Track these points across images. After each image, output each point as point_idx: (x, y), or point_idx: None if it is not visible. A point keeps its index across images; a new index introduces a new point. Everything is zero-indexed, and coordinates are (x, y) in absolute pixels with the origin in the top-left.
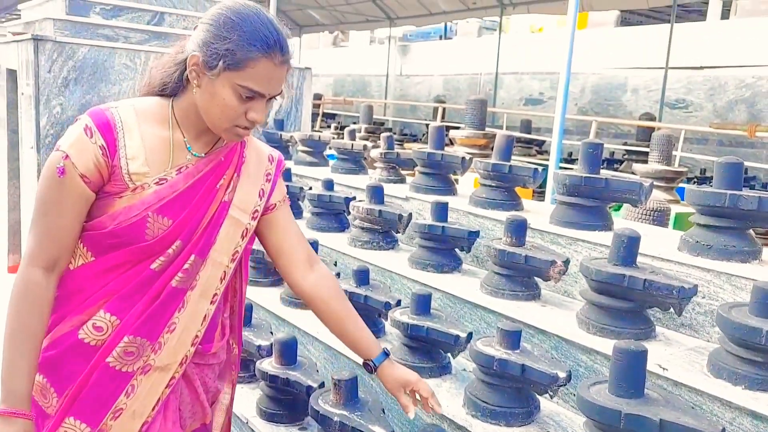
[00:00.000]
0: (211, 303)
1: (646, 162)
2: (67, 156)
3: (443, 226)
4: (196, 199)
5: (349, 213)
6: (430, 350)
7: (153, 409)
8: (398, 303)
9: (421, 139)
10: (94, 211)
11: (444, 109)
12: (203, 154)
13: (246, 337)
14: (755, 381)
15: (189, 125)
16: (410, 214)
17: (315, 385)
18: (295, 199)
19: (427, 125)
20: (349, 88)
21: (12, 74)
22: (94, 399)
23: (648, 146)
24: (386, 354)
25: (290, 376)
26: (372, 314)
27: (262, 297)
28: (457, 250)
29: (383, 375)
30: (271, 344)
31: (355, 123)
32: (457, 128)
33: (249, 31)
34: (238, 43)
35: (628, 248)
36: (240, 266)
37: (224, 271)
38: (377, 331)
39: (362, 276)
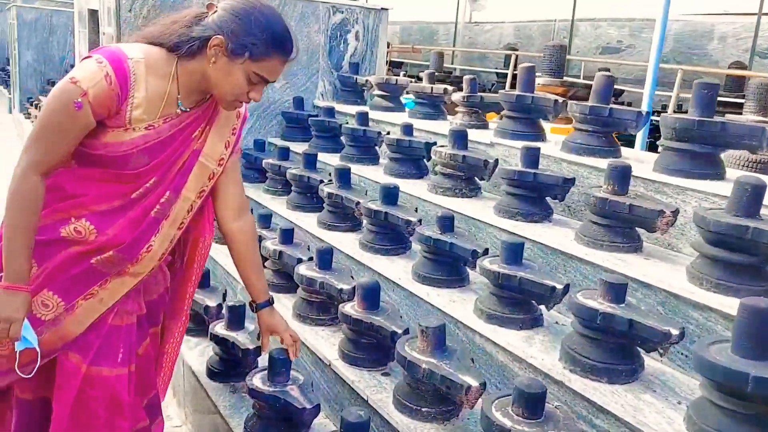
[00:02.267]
0: (178, 229)
1: (739, 113)
2: (85, 93)
3: (535, 173)
4: (173, 145)
5: (428, 159)
6: (521, 301)
7: (119, 299)
8: (485, 252)
9: (490, 90)
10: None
11: (517, 56)
12: (188, 109)
13: (327, 281)
14: None
15: (186, 84)
16: (496, 160)
17: (400, 331)
18: (371, 144)
19: (497, 74)
20: (415, 36)
21: (93, 15)
22: (73, 284)
23: (738, 96)
24: (270, 303)
25: (374, 321)
26: (457, 262)
27: (340, 241)
28: (548, 199)
29: (262, 316)
30: (353, 288)
31: (422, 72)
32: None
33: (274, 36)
34: (265, 43)
35: (752, 197)
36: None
37: (191, 205)
38: (461, 279)
39: (447, 223)
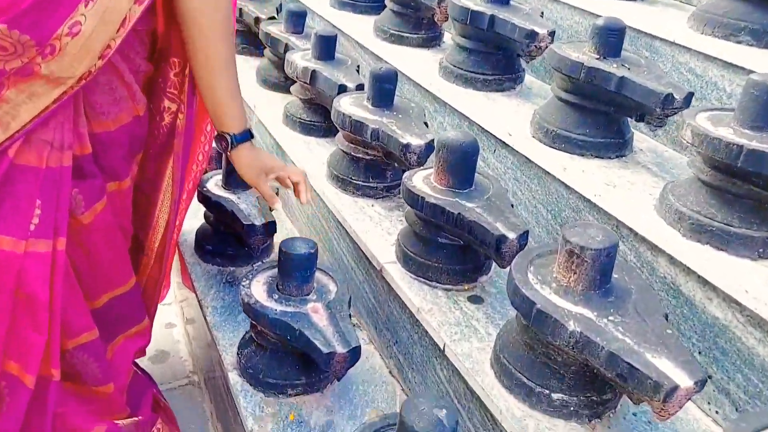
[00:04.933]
0: (135, 2)
1: None
2: None
3: None
4: None
5: None
6: (763, 204)
7: (25, 125)
8: (689, 98)
9: None
10: None
11: None
12: None
13: (386, 128)
14: None
15: None
16: None
17: (512, 236)
18: None
19: None
20: None
21: None
22: None
23: None
24: (251, 135)
25: (465, 212)
26: (623, 113)
27: (410, 61)
28: None
29: (241, 156)
30: (428, 144)
31: None
32: None
33: None
34: None
35: None
36: None
37: None
38: (622, 145)
39: (612, 39)
